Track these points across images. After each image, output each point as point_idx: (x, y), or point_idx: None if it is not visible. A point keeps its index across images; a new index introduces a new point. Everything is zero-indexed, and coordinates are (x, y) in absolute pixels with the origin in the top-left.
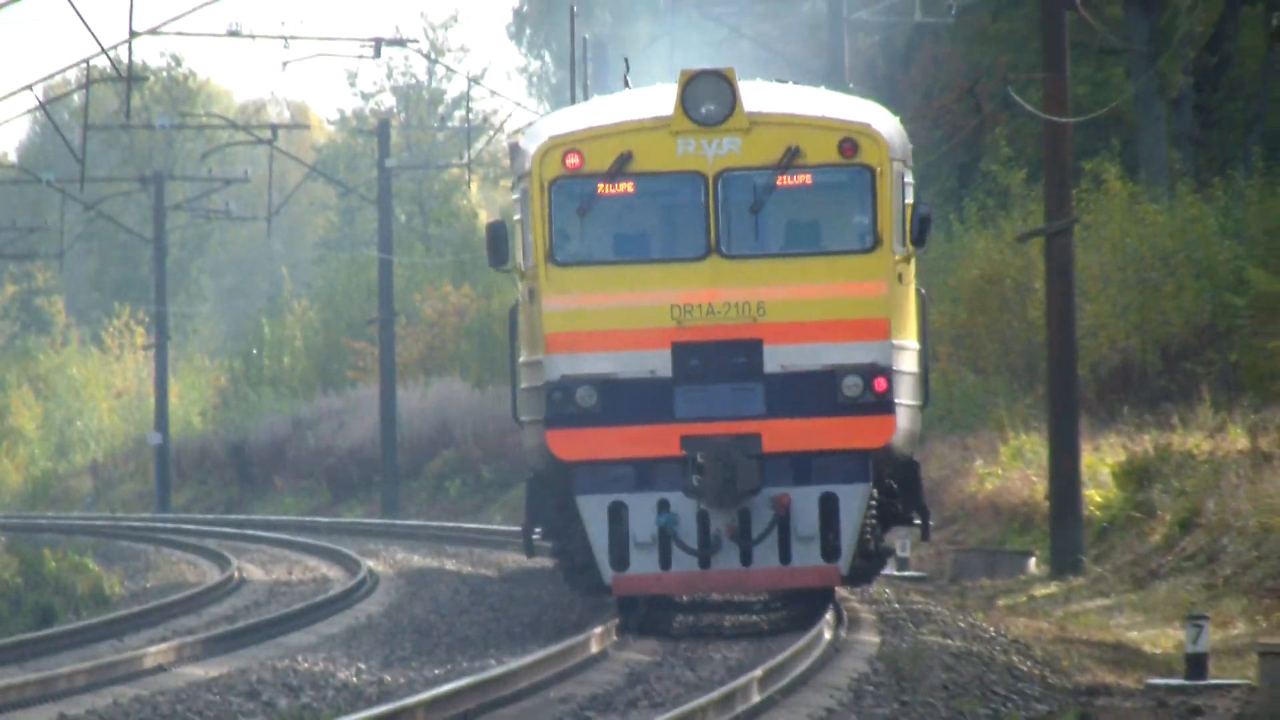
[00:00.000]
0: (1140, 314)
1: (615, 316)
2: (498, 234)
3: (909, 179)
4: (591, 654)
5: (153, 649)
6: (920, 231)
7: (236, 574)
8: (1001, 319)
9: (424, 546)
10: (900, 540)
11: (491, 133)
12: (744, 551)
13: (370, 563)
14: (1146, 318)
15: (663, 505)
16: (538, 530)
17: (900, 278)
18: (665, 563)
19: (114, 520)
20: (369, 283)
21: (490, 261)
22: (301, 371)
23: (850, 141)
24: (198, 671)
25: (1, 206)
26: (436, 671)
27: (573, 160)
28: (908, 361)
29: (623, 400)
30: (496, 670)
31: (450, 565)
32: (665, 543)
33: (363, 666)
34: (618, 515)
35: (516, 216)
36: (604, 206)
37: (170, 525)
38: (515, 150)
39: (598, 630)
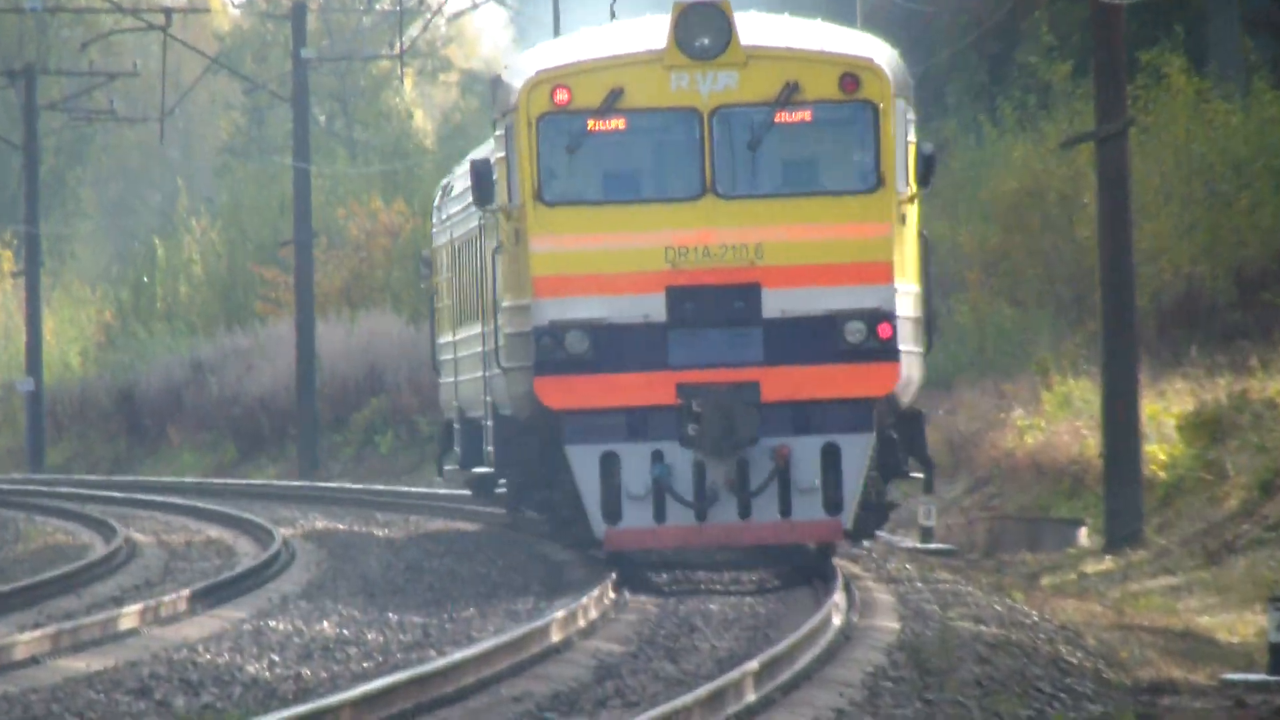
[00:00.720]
0: (1209, 234)
1: (606, 259)
2: (483, 172)
3: (911, 115)
4: (552, 643)
5: (23, 637)
6: (925, 171)
7: (124, 546)
8: (1044, 240)
9: (350, 513)
10: (924, 506)
11: (429, 16)
12: (742, 504)
13: (285, 532)
14: (1216, 238)
15: (657, 456)
16: (502, 482)
17: (903, 219)
18: (660, 516)
19: None
20: (282, 197)
21: (475, 201)
22: (201, 304)
23: (852, 76)
24: (78, 664)
25: None
26: (365, 665)
27: (561, 96)
28: (911, 306)
29: (614, 346)
30: (438, 663)
31: (381, 534)
32: (660, 495)
33: (276, 658)
34: (610, 466)
35: (499, 154)
36: (594, 144)
37: (44, 488)
38: (498, 84)
39: (559, 615)
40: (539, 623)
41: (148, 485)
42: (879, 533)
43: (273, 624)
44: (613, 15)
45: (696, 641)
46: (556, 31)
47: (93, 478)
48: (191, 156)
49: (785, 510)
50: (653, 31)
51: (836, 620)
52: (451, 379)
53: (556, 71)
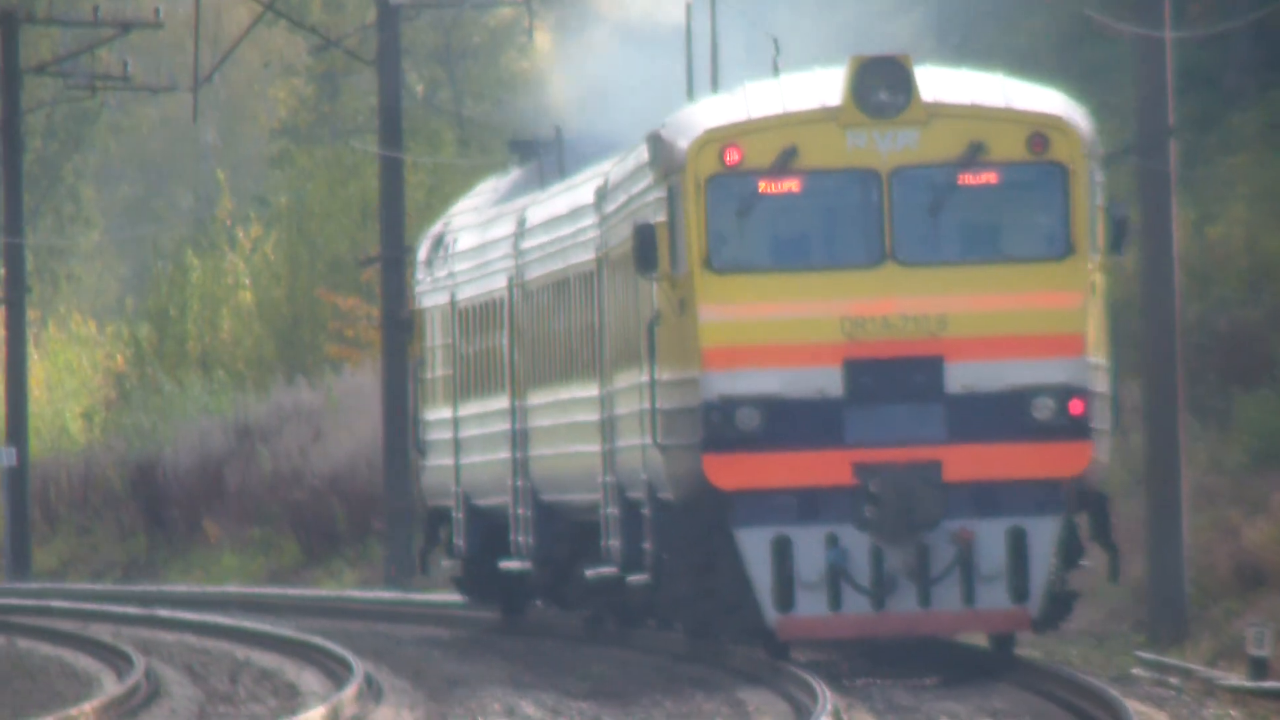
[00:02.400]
0: None
1: (779, 329)
2: (647, 237)
3: (1099, 177)
4: None
5: None
6: (1117, 236)
7: (144, 682)
8: None
9: (459, 636)
10: (1254, 630)
11: None
12: (922, 591)
13: (367, 664)
14: None
15: (832, 539)
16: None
17: (1094, 288)
18: (835, 603)
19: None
20: (365, 197)
21: (638, 268)
22: (251, 346)
23: (1040, 136)
24: None
25: None
26: None
27: (732, 156)
28: (1101, 382)
29: (788, 422)
30: None
31: (501, 666)
32: (835, 581)
33: None
34: (782, 550)
35: (660, 218)
36: (766, 207)
37: (32, 601)
38: (658, 142)
39: None
40: None
41: (175, 598)
42: (1193, 667)
43: None
44: (776, 70)
45: None
46: (715, 86)
47: (99, 588)
48: (236, 141)
49: (969, 598)
50: (827, 86)
51: None
52: (450, 461)
53: (726, 130)
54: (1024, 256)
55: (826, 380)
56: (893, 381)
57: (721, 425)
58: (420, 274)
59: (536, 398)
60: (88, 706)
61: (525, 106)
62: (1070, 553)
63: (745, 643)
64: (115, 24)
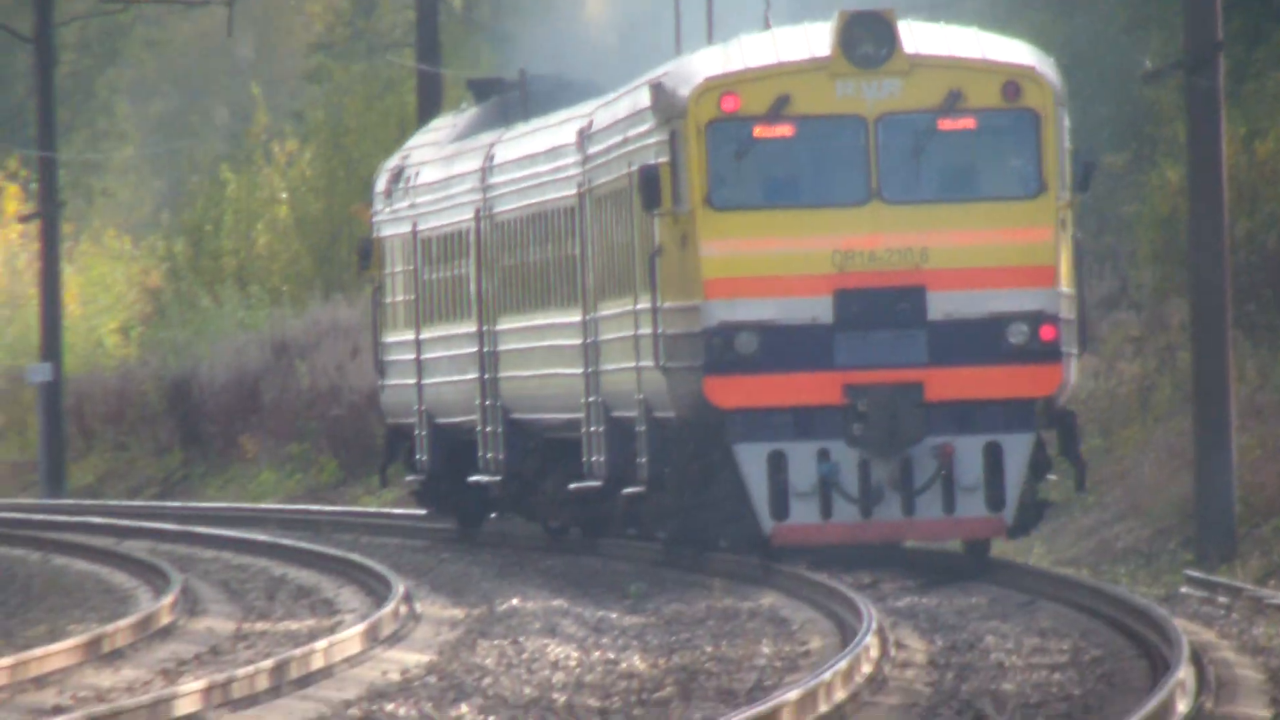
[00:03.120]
0: None
1: (775, 262)
2: (652, 177)
3: (1066, 122)
4: None
5: None
6: (1084, 177)
7: (181, 599)
8: None
9: (502, 554)
10: None
11: None
12: (906, 501)
13: (406, 581)
14: None
15: (823, 454)
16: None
17: (1063, 224)
18: (826, 512)
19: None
20: (403, 113)
21: (643, 205)
22: (289, 262)
23: (1014, 84)
24: None
25: None
26: None
27: (730, 103)
28: (1069, 309)
29: (783, 347)
30: None
31: (539, 580)
32: (826, 492)
33: None
34: (777, 464)
35: (663, 159)
36: (762, 150)
37: (67, 518)
38: (660, 90)
39: (791, 697)
40: (762, 707)
41: (212, 515)
42: (1242, 585)
43: (390, 708)
44: (767, 24)
45: None
46: (710, 35)
47: (135, 504)
48: (271, 56)
49: (949, 507)
50: (816, 39)
51: (1181, 707)
52: (413, 381)
53: (724, 79)
54: (999, 195)
55: (818, 308)
56: (879, 309)
57: (722, 349)
58: (379, 205)
59: (507, 323)
60: (123, 623)
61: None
62: (1039, 466)
63: (741, 550)
64: None
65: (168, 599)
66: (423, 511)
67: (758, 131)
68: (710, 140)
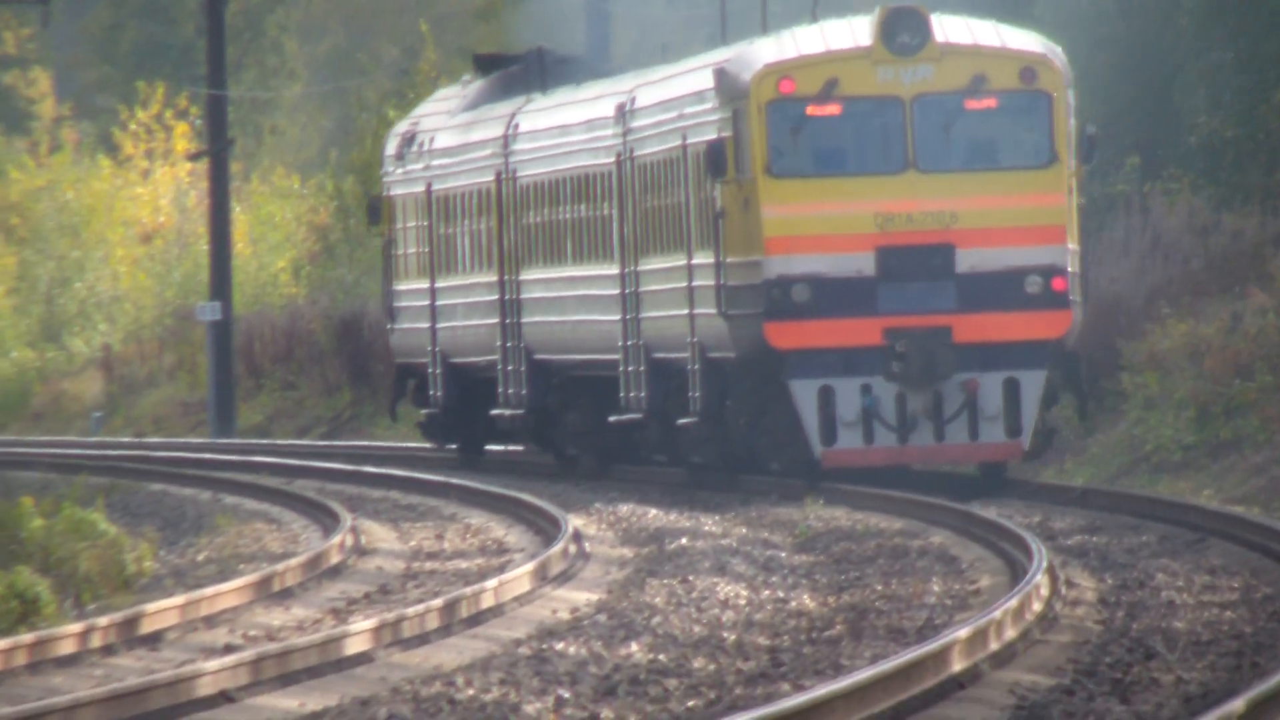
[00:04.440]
0: None
1: (826, 223)
2: (719, 149)
3: (1072, 103)
4: (953, 674)
5: (211, 665)
6: (1088, 150)
7: (350, 538)
8: None
9: (673, 495)
10: None
11: None
12: (937, 429)
13: (577, 521)
14: None
15: (866, 389)
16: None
17: (1071, 190)
18: (869, 439)
19: (140, 449)
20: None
21: (710, 173)
22: None
23: (1030, 70)
24: (287, 702)
25: None
26: (690, 704)
27: (786, 85)
28: (1075, 263)
29: (831, 296)
30: (790, 701)
31: (711, 525)
32: (869, 421)
33: (565, 695)
34: (826, 398)
35: (726, 134)
36: (813, 126)
37: (237, 457)
38: (723, 75)
39: (961, 635)
40: (933, 645)
41: (382, 454)
42: None
43: (560, 647)
44: (814, 17)
45: (1155, 672)
46: (764, 26)
47: (304, 443)
48: None
49: (973, 434)
50: (859, 30)
51: None
52: (426, 325)
53: (782, 65)
54: (1017, 165)
55: (862, 263)
56: (914, 264)
57: (780, 299)
58: (389, 167)
59: (531, 274)
60: (294, 562)
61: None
62: (1048, 399)
63: (793, 473)
64: None
65: (337, 538)
66: (433, 445)
67: (810, 110)
68: (770, 118)
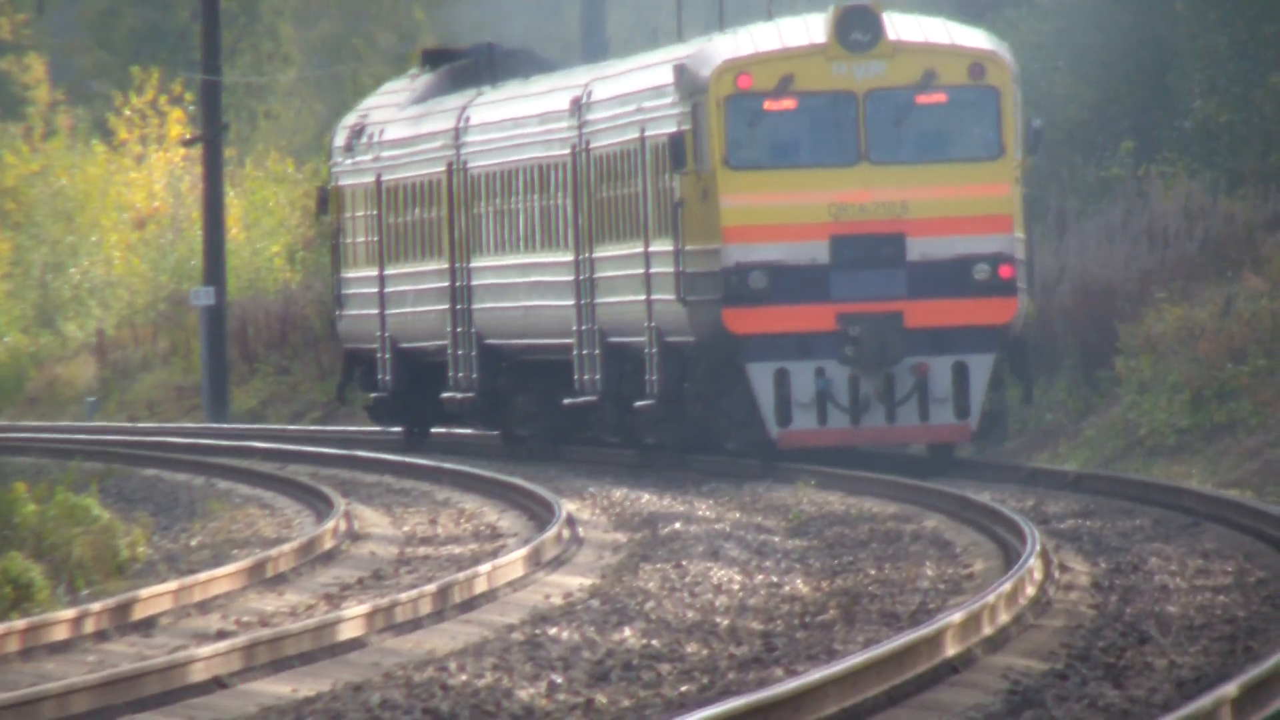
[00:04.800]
0: None
1: (781, 212)
2: (679, 142)
3: (1019, 97)
4: (946, 658)
5: (203, 651)
6: (1034, 142)
7: (343, 523)
8: None
9: (662, 478)
10: None
11: None
12: (889, 410)
13: (571, 505)
14: None
15: (820, 372)
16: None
17: (1018, 180)
18: (822, 420)
19: (134, 434)
20: (564, 36)
21: (673, 165)
22: None
23: (979, 65)
24: (279, 688)
25: None
26: (682, 689)
27: (744, 81)
28: (1022, 251)
29: (787, 283)
30: (783, 687)
31: (703, 509)
32: (822, 403)
33: (558, 680)
34: (782, 380)
35: (686, 127)
36: (770, 120)
37: (230, 443)
38: (683, 71)
39: (955, 619)
40: (926, 629)
41: (374, 439)
42: None
43: (552, 632)
44: (769, 15)
45: (1148, 656)
46: (721, 23)
47: (296, 429)
48: None
49: (924, 416)
50: (814, 27)
51: None
52: (375, 311)
53: (740, 61)
54: (966, 157)
55: (817, 251)
56: (867, 252)
57: (738, 285)
58: (338, 158)
59: (482, 261)
60: (286, 547)
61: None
62: (997, 382)
63: (749, 453)
64: None
65: (330, 523)
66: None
67: (767, 105)
68: (728, 112)
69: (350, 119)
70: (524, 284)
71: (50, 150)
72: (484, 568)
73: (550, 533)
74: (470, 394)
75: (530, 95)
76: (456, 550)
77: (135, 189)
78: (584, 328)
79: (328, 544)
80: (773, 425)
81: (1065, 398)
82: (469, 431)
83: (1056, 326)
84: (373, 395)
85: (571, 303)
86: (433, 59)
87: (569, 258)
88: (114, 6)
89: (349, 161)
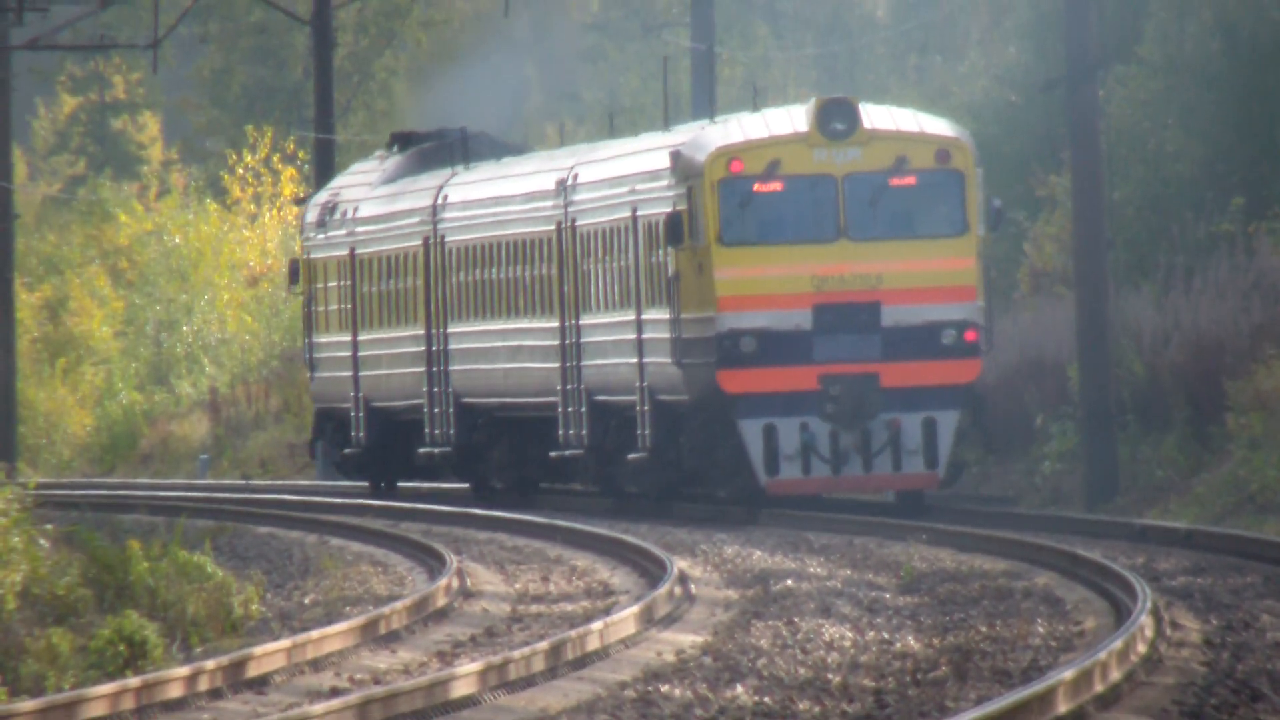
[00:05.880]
0: None
1: (769, 283)
2: (677, 220)
3: (980, 179)
4: (1058, 715)
5: (316, 709)
6: (995, 220)
7: (454, 583)
8: None
9: (771, 535)
10: None
11: None
12: (865, 461)
13: (682, 563)
14: None
15: (804, 426)
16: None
17: (979, 254)
18: (806, 470)
19: (249, 492)
20: (677, 91)
21: (669, 241)
22: None
23: (945, 151)
24: None
25: None
26: None
27: (736, 166)
28: (983, 318)
29: (774, 347)
30: None
31: (815, 566)
32: (807, 454)
33: None
34: (770, 434)
35: (681, 207)
36: (759, 200)
37: (344, 501)
38: (679, 157)
39: (1066, 676)
40: (1038, 686)
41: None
42: None
43: (665, 689)
44: (755, 106)
45: (1261, 714)
46: (713, 112)
47: (410, 485)
48: (547, 36)
49: (897, 466)
50: (796, 118)
51: None
52: (349, 374)
53: (732, 148)
54: (934, 234)
55: (801, 318)
56: (846, 319)
57: (730, 349)
58: (310, 233)
59: (460, 327)
60: (399, 605)
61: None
62: (961, 435)
63: (739, 500)
64: None
65: (443, 581)
66: (346, 480)
67: (756, 187)
68: (721, 194)
69: (321, 196)
70: (504, 347)
71: (164, 209)
72: (596, 625)
73: (662, 590)
74: (447, 448)
75: (511, 176)
76: (569, 607)
77: (248, 247)
78: (569, 387)
79: (440, 601)
80: (762, 474)
81: (1175, 454)
82: (434, 485)
83: (1166, 383)
84: (345, 450)
85: (556, 365)
86: (402, 141)
87: (553, 324)
88: (227, 65)
89: (321, 236)
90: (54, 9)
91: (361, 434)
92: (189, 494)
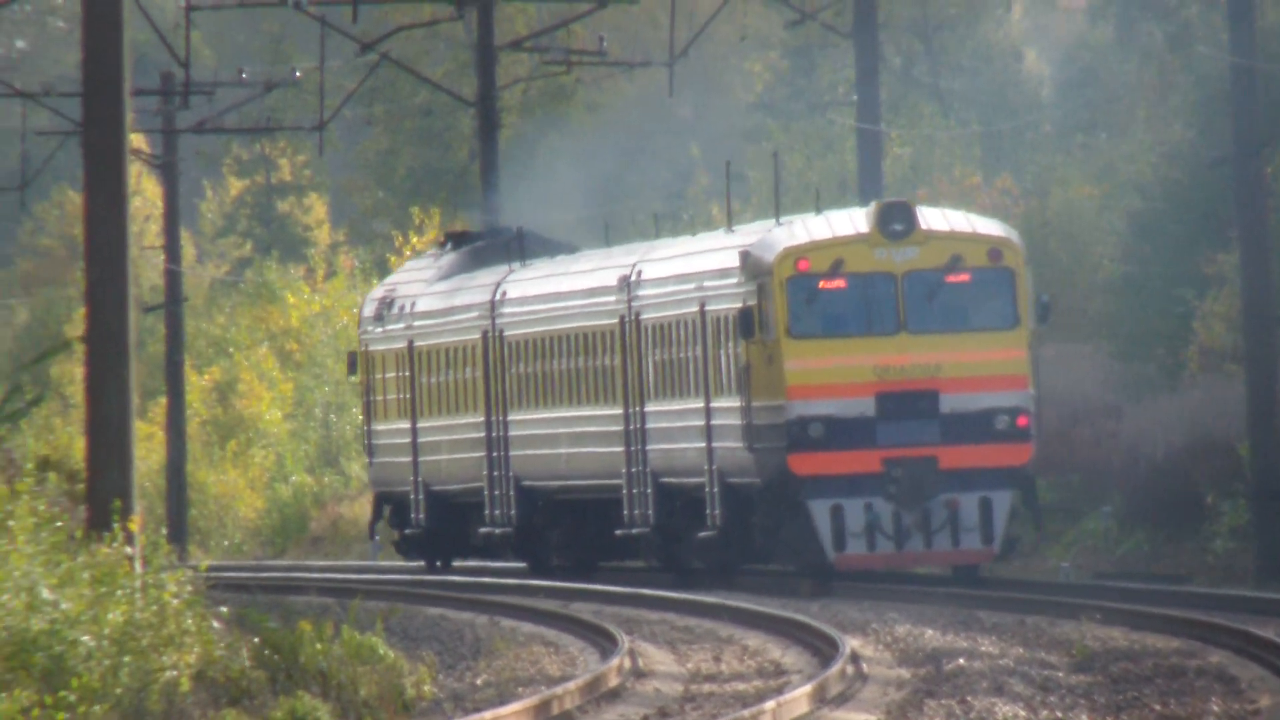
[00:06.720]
0: None
1: (835, 373)
2: (749, 315)
3: (1029, 275)
4: None
5: None
6: (1043, 313)
7: (626, 663)
8: None
9: (943, 612)
10: None
11: None
12: (926, 538)
13: (854, 642)
14: None
15: (868, 506)
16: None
17: (1030, 346)
18: (871, 546)
19: (417, 573)
20: (843, 171)
21: (741, 334)
22: None
23: (997, 250)
24: None
25: (216, 45)
26: None
27: (802, 264)
28: (1033, 404)
29: (840, 433)
30: None
31: (987, 645)
32: (871, 532)
33: None
34: (837, 513)
35: (751, 303)
36: (825, 296)
37: (518, 581)
38: (748, 256)
39: None
40: None
41: (657, 578)
42: None
43: None
44: (818, 210)
45: None
46: (777, 205)
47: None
48: (710, 115)
49: (955, 543)
50: (857, 219)
51: None
52: (408, 459)
53: (798, 248)
54: (988, 327)
55: (865, 406)
56: (906, 406)
57: (799, 434)
58: (368, 326)
59: (521, 414)
60: (572, 685)
61: (1001, 77)
62: (1015, 513)
63: (806, 574)
64: None
65: (615, 660)
66: (407, 560)
67: (822, 284)
68: (790, 290)
69: (378, 292)
70: (566, 434)
71: (332, 290)
72: (769, 704)
73: (834, 669)
74: (508, 528)
75: (570, 273)
76: (741, 687)
77: None
78: (634, 469)
79: (613, 681)
80: (830, 550)
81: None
82: (490, 564)
83: None
84: (404, 531)
85: (619, 449)
86: (456, 239)
87: (617, 410)
88: (393, 146)
89: (379, 329)
90: (220, 93)
91: (421, 515)
92: (359, 576)
